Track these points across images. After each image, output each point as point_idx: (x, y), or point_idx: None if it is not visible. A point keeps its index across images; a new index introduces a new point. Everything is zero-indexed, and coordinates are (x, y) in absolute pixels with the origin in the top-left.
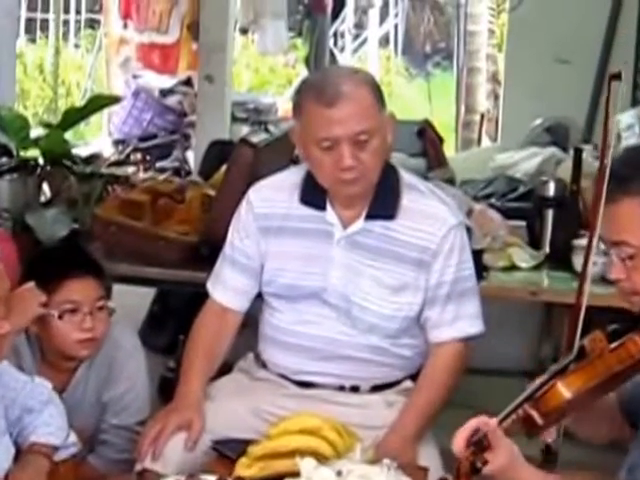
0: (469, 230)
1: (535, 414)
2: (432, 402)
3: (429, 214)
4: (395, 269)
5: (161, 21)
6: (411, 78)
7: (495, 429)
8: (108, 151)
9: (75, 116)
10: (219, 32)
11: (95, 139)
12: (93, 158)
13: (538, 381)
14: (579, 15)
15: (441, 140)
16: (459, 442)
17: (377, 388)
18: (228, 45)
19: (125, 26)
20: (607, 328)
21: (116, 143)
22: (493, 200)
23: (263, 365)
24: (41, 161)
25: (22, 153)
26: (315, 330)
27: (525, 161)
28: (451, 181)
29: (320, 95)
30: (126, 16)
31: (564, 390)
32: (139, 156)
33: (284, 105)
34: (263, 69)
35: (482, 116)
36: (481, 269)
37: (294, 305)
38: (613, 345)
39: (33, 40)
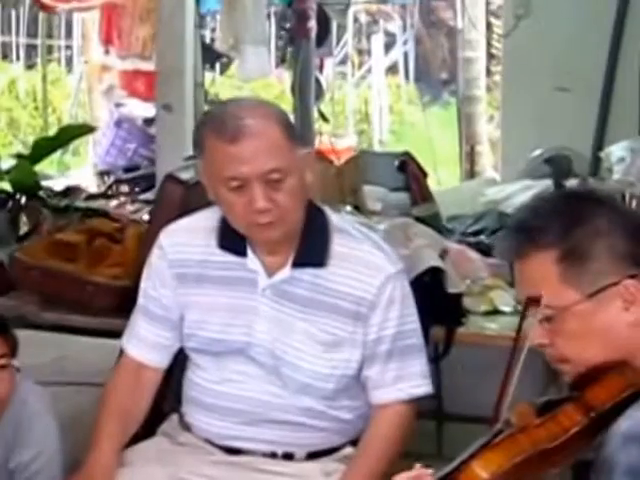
0: (442, 273)
1: None
2: (371, 473)
3: (363, 261)
4: (329, 322)
5: (145, 47)
6: (425, 106)
7: None
8: (92, 182)
9: (46, 147)
10: (176, 59)
11: (81, 170)
12: (70, 190)
13: (458, 459)
14: (578, 41)
15: (425, 174)
16: None
17: (313, 455)
18: (186, 72)
19: (107, 52)
20: (538, 400)
21: (101, 174)
22: (483, 237)
23: (187, 428)
24: (16, 194)
25: None
26: (241, 390)
27: (518, 195)
28: (436, 217)
29: (221, 130)
30: (107, 42)
31: (480, 470)
32: (126, 188)
33: None
34: (267, 96)
35: (472, 147)
36: (459, 314)
37: (218, 362)
38: (542, 418)
39: (31, 67)
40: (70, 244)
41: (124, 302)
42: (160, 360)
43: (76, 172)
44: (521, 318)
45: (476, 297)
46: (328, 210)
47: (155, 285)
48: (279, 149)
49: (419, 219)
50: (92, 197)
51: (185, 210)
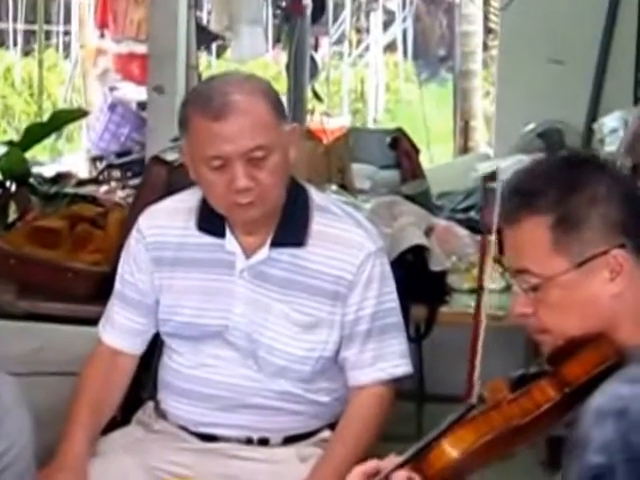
0: (426, 251)
1: (416, 477)
2: (349, 457)
3: (343, 240)
4: (307, 303)
5: (139, 30)
6: (423, 84)
7: None
8: (85, 169)
9: (37, 133)
10: (168, 40)
11: (74, 156)
12: (61, 177)
13: (428, 436)
14: (574, 13)
15: (417, 150)
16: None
17: (290, 440)
18: (179, 54)
19: (102, 36)
20: (512, 375)
21: (94, 160)
22: (472, 213)
23: (162, 415)
24: (6, 182)
25: None
26: (216, 375)
27: (509, 170)
28: (426, 194)
29: (206, 107)
30: (102, 25)
31: (450, 449)
32: (118, 173)
33: None
34: (263, 75)
35: (466, 123)
36: (443, 292)
37: (193, 346)
38: (515, 394)
39: (29, 53)
40: (51, 230)
41: (104, 288)
42: (135, 346)
43: (69, 158)
44: (478, 290)
45: (462, 274)
46: (310, 187)
47: (132, 270)
48: (265, 126)
49: (408, 197)
50: (82, 183)
51: (169, 192)
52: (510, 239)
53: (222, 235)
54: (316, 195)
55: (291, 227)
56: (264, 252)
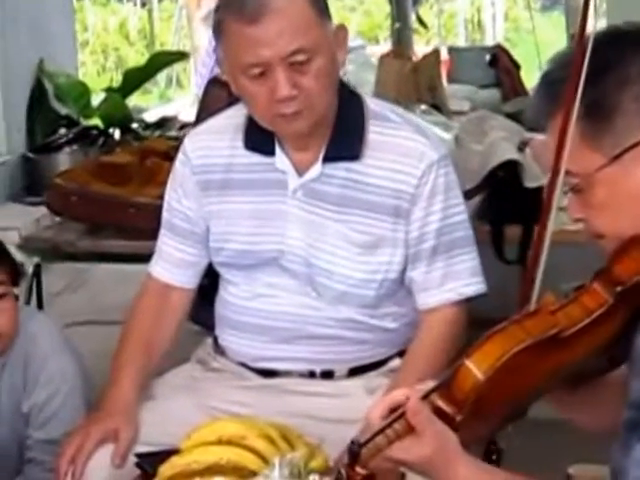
0: (520, 166)
1: (444, 405)
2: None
3: (403, 149)
4: (366, 221)
5: None
6: (546, 11)
7: (419, 409)
8: (193, 113)
9: (136, 78)
10: None
11: (183, 101)
12: (165, 121)
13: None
14: None
15: (517, 67)
16: (375, 412)
17: (356, 371)
18: None
19: None
20: (568, 286)
21: None
22: None
23: (221, 352)
24: (109, 130)
25: (84, 122)
26: (274, 305)
27: None
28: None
29: (240, 10)
30: None
31: (474, 367)
32: None
33: (375, 50)
34: (378, 13)
35: (573, 36)
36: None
37: (248, 276)
38: (561, 302)
39: (146, 4)
40: (117, 166)
41: None
42: (188, 279)
43: (178, 104)
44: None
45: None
46: (364, 94)
47: (179, 197)
48: (306, 26)
49: (510, 115)
50: (186, 126)
51: None
52: (548, 136)
53: (272, 153)
54: (371, 102)
55: (345, 139)
56: (317, 168)
